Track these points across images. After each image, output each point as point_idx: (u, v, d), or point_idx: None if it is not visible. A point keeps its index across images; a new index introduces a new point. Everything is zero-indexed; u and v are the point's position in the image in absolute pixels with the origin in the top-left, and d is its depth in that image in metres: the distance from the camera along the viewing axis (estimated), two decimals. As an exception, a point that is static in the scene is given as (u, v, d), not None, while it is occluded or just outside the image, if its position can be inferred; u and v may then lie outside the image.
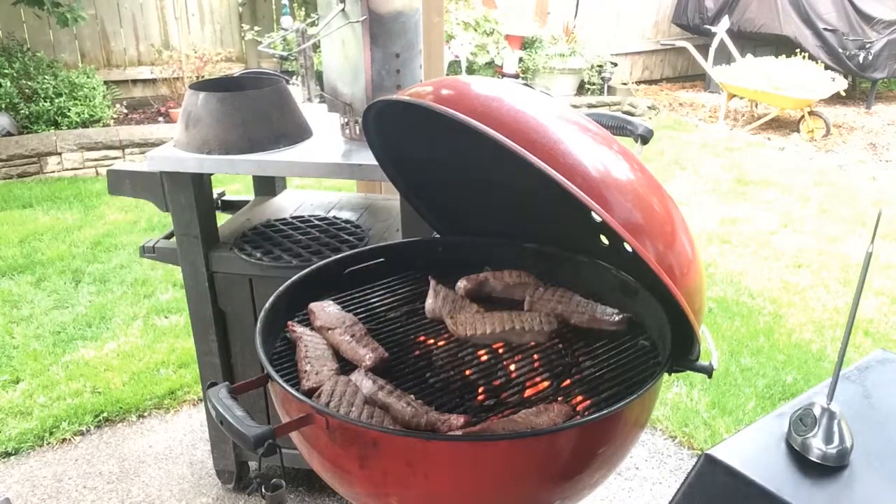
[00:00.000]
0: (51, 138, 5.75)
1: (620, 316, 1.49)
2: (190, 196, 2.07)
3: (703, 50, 8.03)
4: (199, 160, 1.98)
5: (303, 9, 7.34)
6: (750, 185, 5.77)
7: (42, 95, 5.94)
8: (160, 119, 6.60)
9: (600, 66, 8.22)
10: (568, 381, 1.36)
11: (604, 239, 1.64)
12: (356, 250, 1.72)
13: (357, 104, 2.02)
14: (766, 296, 3.95)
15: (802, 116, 7.28)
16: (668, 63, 9.94)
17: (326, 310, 1.49)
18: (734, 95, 7.71)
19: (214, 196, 2.39)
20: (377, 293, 1.66)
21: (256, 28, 7.27)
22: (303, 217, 2.43)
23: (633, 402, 1.16)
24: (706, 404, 2.99)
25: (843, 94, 7.44)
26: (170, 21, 7.24)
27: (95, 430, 2.88)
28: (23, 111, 5.89)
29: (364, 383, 1.26)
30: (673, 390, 3.10)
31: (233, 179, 5.18)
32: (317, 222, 2.38)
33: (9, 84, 5.85)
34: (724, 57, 7.82)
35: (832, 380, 1.13)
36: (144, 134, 6.03)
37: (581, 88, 8.33)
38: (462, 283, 1.62)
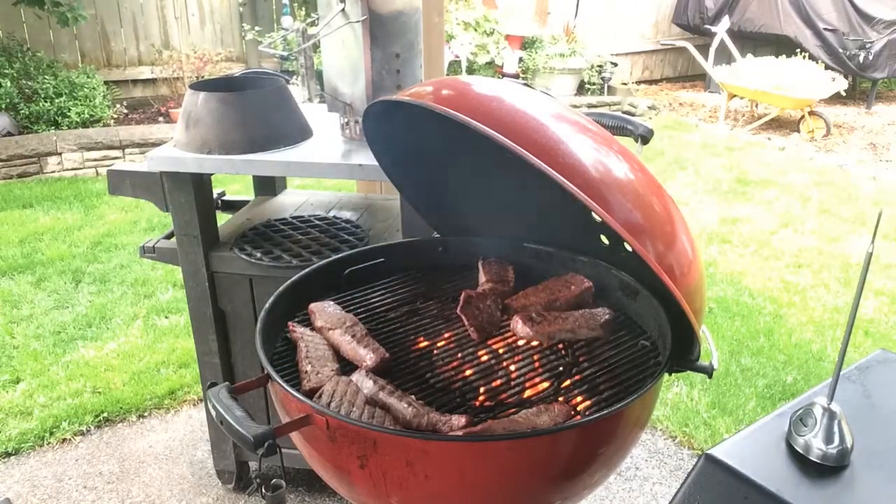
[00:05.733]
0: (51, 138, 5.75)
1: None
2: (190, 196, 2.07)
3: (704, 50, 8.02)
4: (199, 160, 1.98)
5: (303, 9, 7.34)
6: (750, 185, 5.77)
7: (42, 95, 5.94)
8: (160, 119, 6.60)
9: (600, 66, 8.22)
10: (568, 382, 1.36)
11: (604, 239, 1.64)
12: (356, 250, 1.72)
13: (357, 104, 2.02)
14: (767, 296, 3.95)
15: (803, 116, 7.28)
16: (668, 63, 9.94)
17: (327, 310, 1.49)
18: (734, 95, 7.70)
19: (214, 196, 2.39)
20: (377, 293, 1.66)
21: (257, 28, 7.26)
22: (303, 217, 2.43)
23: (634, 402, 1.16)
24: (706, 404, 2.99)
25: (844, 94, 7.44)
26: (170, 21, 7.24)
27: (95, 430, 2.88)
28: (23, 111, 5.89)
29: (365, 383, 1.26)
30: (673, 390, 3.10)
31: (233, 179, 5.18)
32: (317, 222, 2.38)
33: (9, 84, 5.85)
34: (724, 57, 7.82)
35: (832, 380, 1.13)
36: (144, 134, 6.03)
37: (581, 88, 8.33)
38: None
